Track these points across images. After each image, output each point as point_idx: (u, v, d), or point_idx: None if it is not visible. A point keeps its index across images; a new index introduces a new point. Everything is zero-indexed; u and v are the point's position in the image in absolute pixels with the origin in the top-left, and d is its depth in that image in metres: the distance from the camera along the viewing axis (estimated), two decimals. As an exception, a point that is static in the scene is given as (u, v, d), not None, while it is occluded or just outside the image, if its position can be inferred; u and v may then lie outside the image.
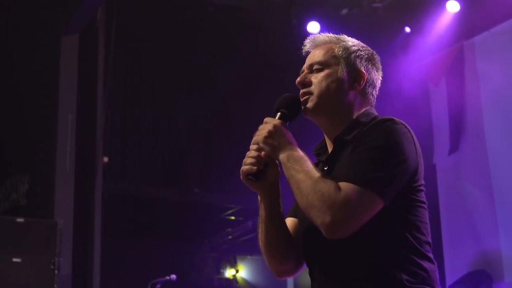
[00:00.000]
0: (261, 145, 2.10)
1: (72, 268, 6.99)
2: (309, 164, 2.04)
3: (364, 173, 1.95)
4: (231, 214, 10.15)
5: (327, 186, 1.95)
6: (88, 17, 7.45)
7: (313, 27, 7.51)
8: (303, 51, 2.32)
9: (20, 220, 6.17)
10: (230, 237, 10.62)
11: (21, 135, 7.79)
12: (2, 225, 6.10)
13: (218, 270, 11.25)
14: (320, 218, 1.93)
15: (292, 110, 2.18)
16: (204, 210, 9.79)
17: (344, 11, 7.40)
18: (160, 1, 8.23)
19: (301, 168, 2.02)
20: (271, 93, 9.12)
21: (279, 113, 2.17)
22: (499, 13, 6.97)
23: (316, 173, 2.00)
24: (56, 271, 6.03)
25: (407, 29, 7.61)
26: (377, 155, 1.99)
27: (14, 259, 5.96)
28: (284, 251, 2.23)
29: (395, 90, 7.09)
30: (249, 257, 11.23)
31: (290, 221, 2.29)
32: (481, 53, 7.31)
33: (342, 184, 1.95)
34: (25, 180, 7.47)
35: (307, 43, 2.31)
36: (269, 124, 2.12)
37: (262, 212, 2.21)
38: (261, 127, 2.13)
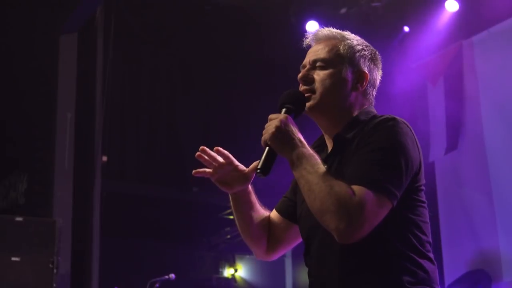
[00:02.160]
0: (269, 142, 2.01)
1: (70, 267, 6.99)
2: (320, 164, 1.99)
3: (375, 177, 1.94)
4: (230, 213, 10.12)
5: (343, 190, 1.91)
6: (87, 15, 7.44)
7: (312, 26, 7.51)
8: (304, 44, 2.27)
9: (18, 219, 6.15)
10: (228, 236, 10.60)
11: (19, 133, 7.79)
12: (1, 224, 6.08)
13: (217, 270, 11.23)
14: (334, 223, 1.90)
15: (298, 106, 2.11)
16: (203, 209, 9.77)
17: (343, 10, 7.40)
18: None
19: (313, 168, 1.96)
20: (269, 91, 9.13)
21: (284, 109, 2.08)
22: (498, 13, 6.96)
23: (329, 175, 1.95)
24: (54, 270, 6.01)
25: (406, 28, 7.60)
26: (384, 156, 1.97)
27: (13, 258, 5.93)
28: (254, 236, 2.32)
29: (393, 89, 7.08)
30: (247, 256, 11.21)
31: (274, 215, 2.35)
32: (480, 53, 7.30)
33: (356, 188, 1.92)
34: (23, 179, 7.46)
35: (309, 36, 2.25)
36: (275, 120, 2.03)
37: (233, 202, 2.32)
38: (267, 124, 2.04)
